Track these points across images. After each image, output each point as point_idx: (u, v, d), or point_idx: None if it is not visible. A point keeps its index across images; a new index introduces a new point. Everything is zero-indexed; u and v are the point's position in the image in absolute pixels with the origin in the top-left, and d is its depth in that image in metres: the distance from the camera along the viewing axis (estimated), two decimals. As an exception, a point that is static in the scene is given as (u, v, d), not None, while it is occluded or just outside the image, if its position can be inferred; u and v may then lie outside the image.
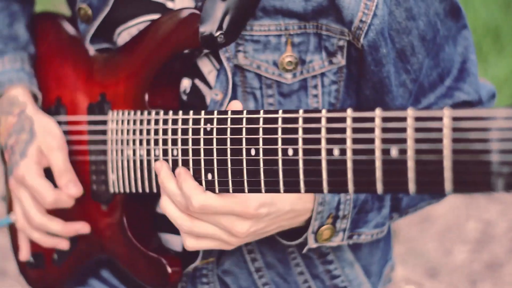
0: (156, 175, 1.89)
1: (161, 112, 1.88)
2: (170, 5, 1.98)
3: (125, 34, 2.06)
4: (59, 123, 2.16)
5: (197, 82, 1.99)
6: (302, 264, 2.07)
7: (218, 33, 1.84)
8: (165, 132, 1.86)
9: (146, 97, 1.96)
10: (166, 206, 1.81)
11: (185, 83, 2.00)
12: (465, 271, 3.99)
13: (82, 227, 2.11)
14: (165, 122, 1.86)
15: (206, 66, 1.97)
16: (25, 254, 2.23)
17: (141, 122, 1.92)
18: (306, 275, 2.08)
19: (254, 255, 2.06)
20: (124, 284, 2.24)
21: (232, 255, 2.05)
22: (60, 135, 2.12)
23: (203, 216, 1.76)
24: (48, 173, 2.10)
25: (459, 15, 2.01)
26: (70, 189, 2.07)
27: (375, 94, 1.93)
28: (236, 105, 1.77)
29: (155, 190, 1.91)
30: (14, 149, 2.11)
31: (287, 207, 1.80)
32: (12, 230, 2.37)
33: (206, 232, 1.78)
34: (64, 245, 2.14)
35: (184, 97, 2.01)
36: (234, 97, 1.94)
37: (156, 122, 1.88)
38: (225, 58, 1.89)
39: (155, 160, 1.88)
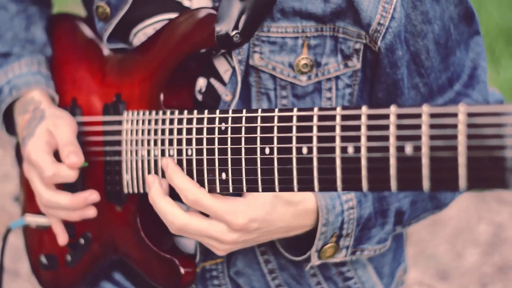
0: None
1: (176, 112, 1.88)
2: (187, 3, 1.99)
3: (141, 34, 2.07)
4: None
5: (213, 81, 1.99)
6: (315, 266, 2.07)
7: (234, 32, 1.85)
8: (179, 132, 1.86)
9: (162, 97, 1.97)
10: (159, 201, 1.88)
11: (201, 82, 2.01)
12: (476, 273, 3.98)
13: (90, 195, 2.05)
14: (180, 121, 1.86)
15: (223, 65, 1.98)
16: (62, 237, 2.16)
17: (156, 122, 1.92)
18: (319, 277, 2.08)
19: (267, 256, 2.06)
20: (136, 287, 2.25)
21: (245, 256, 2.06)
22: (69, 116, 2.12)
23: (202, 218, 1.81)
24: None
25: (473, 20, 2.02)
26: (71, 158, 2.00)
27: (388, 96, 1.93)
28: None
29: (169, 191, 1.90)
30: (25, 136, 2.11)
31: (281, 224, 1.83)
32: (26, 231, 2.38)
33: (195, 234, 1.84)
34: (91, 213, 2.08)
35: (199, 97, 2.01)
36: (247, 97, 1.95)
37: (171, 122, 1.89)
38: (237, 60, 1.89)
39: None
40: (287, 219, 1.82)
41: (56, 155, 2.07)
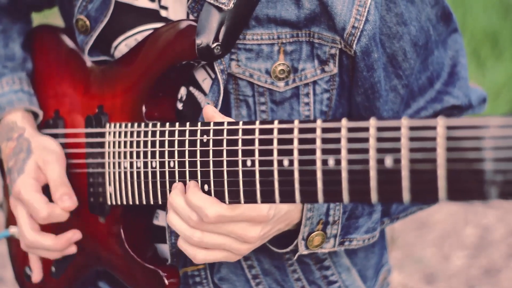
0: (153, 187, 1.89)
1: (158, 124, 1.88)
2: (164, 13, 1.99)
3: (122, 46, 2.07)
4: (57, 135, 2.16)
5: (192, 89, 2.00)
6: (299, 270, 2.07)
7: (214, 44, 1.85)
8: (162, 144, 1.86)
9: (143, 108, 1.96)
10: (173, 220, 1.79)
11: (181, 91, 2.01)
12: (463, 276, 3.99)
13: (73, 235, 2.09)
14: (162, 134, 1.86)
15: (200, 74, 1.98)
16: (36, 275, 2.21)
17: (138, 134, 1.92)
18: (303, 281, 2.08)
19: (250, 262, 2.06)
20: (120, 294, 2.25)
21: (229, 262, 2.05)
22: (58, 150, 2.12)
23: (217, 226, 1.75)
24: (48, 191, 2.09)
25: (450, 20, 2.03)
26: (65, 202, 2.04)
27: (366, 100, 1.93)
28: (209, 109, 1.79)
29: (152, 202, 1.91)
30: (13, 169, 2.11)
31: (285, 208, 1.81)
32: (11, 241, 2.37)
33: (216, 242, 1.77)
34: (72, 250, 2.11)
35: (180, 105, 2.01)
36: (227, 104, 1.95)
37: (153, 134, 1.88)
38: (219, 70, 1.89)
39: (152, 172, 1.88)
40: (286, 205, 1.81)
41: (45, 190, 2.08)
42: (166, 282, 1.96)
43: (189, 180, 1.79)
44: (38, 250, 2.11)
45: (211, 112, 1.80)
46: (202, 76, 1.98)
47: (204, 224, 1.75)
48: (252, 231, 1.75)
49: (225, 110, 1.94)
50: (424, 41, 1.96)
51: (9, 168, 2.13)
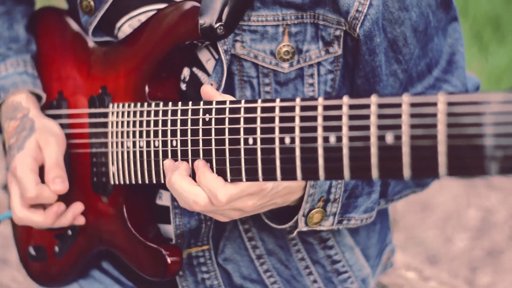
0: (155, 166, 1.90)
1: (161, 104, 1.89)
2: None
3: (126, 26, 2.08)
4: (60, 116, 2.18)
5: (195, 70, 2.00)
6: (303, 250, 2.09)
7: (217, 24, 1.85)
8: (164, 123, 1.87)
9: (147, 89, 1.97)
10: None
11: (184, 72, 2.01)
12: (466, 258, 4.00)
13: (58, 208, 2.08)
14: (165, 113, 1.87)
15: (204, 54, 1.99)
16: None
17: (141, 114, 1.93)
18: (307, 261, 2.10)
19: (254, 242, 2.07)
20: (124, 276, 2.26)
21: (233, 243, 2.07)
22: (59, 133, 2.12)
23: (225, 207, 1.77)
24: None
25: (450, 7, 2.03)
26: (56, 184, 2.05)
27: (366, 83, 1.94)
28: (207, 88, 1.81)
29: (154, 181, 1.92)
30: (13, 146, 2.12)
31: (284, 183, 1.80)
32: (14, 222, 2.38)
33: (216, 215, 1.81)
34: (80, 220, 2.12)
35: (183, 86, 2.02)
36: (231, 85, 1.96)
37: (156, 113, 1.89)
38: (222, 50, 1.90)
39: (155, 151, 1.89)
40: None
41: (42, 171, 2.09)
42: (169, 260, 1.96)
43: (191, 159, 1.80)
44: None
45: (209, 91, 1.81)
46: (205, 57, 1.99)
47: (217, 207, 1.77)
48: (250, 202, 1.77)
49: (229, 91, 1.95)
50: (423, 26, 1.97)
51: (10, 145, 2.13)
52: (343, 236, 2.11)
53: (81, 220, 2.12)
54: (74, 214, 2.11)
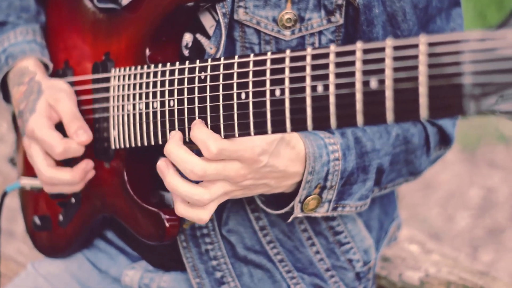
0: (154, 128, 1.92)
1: (159, 65, 1.91)
2: None
3: None
4: None
5: (199, 36, 2.02)
6: (305, 221, 2.10)
7: None
8: (162, 84, 1.89)
9: (147, 52, 1.99)
10: (179, 185, 1.79)
11: (187, 38, 2.03)
12: (467, 236, 3.99)
13: (87, 165, 2.10)
14: (163, 74, 1.89)
15: (208, 20, 2.01)
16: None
17: (141, 76, 1.95)
18: (309, 232, 2.11)
19: (258, 213, 2.09)
20: (129, 246, 2.29)
21: (236, 214, 2.09)
22: (67, 88, 2.14)
23: (217, 167, 1.76)
24: (61, 129, 2.11)
25: None
26: (80, 136, 2.06)
27: None
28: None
29: (153, 143, 1.93)
30: (24, 110, 2.14)
31: (281, 166, 1.81)
32: (22, 193, 2.41)
33: (220, 191, 1.79)
34: (90, 175, 2.13)
35: (186, 52, 2.04)
36: (232, 52, 1.98)
37: (155, 75, 1.91)
38: (221, 14, 1.92)
39: (153, 112, 1.91)
40: (285, 162, 1.82)
41: (58, 128, 2.10)
42: (167, 224, 1.97)
43: (188, 118, 1.82)
44: (58, 187, 2.12)
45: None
46: (209, 23, 2.01)
47: (205, 176, 1.76)
48: (241, 171, 1.76)
49: None
50: (424, 4, 1.98)
51: (20, 111, 2.16)
52: None
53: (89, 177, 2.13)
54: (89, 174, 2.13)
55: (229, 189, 1.80)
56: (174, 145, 1.79)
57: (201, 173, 1.74)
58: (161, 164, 1.83)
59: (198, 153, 1.77)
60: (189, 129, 1.82)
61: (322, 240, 2.12)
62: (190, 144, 1.81)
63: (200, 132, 1.75)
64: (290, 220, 1.97)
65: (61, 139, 2.06)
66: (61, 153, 2.06)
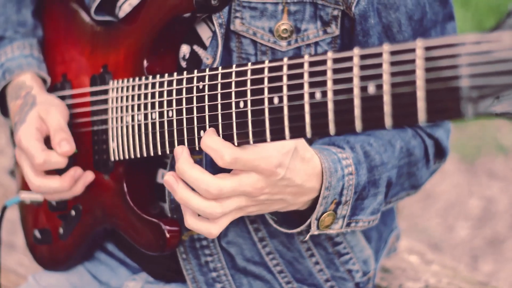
0: (153, 139, 1.91)
1: (157, 76, 1.91)
2: None
3: (126, 5, 2.11)
4: (64, 97, 2.21)
5: (196, 48, 2.03)
6: (304, 232, 2.09)
7: None
8: (161, 94, 1.89)
9: (145, 63, 2.00)
10: (190, 198, 1.75)
11: (184, 49, 2.04)
12: (467, 247, 3.99)
13: (75, 172, 2.10)
14: (161, 85, 1.89)
15: (205, 32, 2.02)
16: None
17: (139, 87, 1.95)
18: (309, 243, 2.10)
19: (257, 225, 2.08)
20: (129, 257, 2.28)
21: (236, 226, 2.08)
22: (60, 104, 2.15)
23: (232, 171, 1.73)
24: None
25: (447, 2, 2.05)
26: (63, 147, 2.05)
27: None
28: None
29: (152, 153, 1.93)
30: (17, 122, 2.14)
31: (298, 180, 1.77)
32: (22, 207, 2.41)
33: (234, 206, 1.75)
34: (79, 187, 2.12)
35: (183, 63, 2.04)
36: (229, 62, 1.98)
37: (153, 86, 1.91)
38: (217, 24, 1.93)
39: (152, 123, 1.91)
40: (301, 175, 1.77)
41: (47, 142, 2.10)
42: (167, 234, 1.98)
43: (186, 128, 1.82)
44: (49, 195, 2.13)
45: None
46: (206, 35, 2.02)
47: (220, 195, 1.72)
48: (258, 183, 1.72)
49: None
50: (419, 16, 1.99)
51: (15, 123, 2.16)
52: None
53: (79, 188, 2.13)
54: (85, 183, 2.12)
55: (244, 204, 1.76)
56: (186, 164, 1.75)
57: (216, 192, 1.70)
58: (169, 179, 1.78)
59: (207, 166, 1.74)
60: (188, 139, 1.82)
61: (321, 250, 2.12)
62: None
63: (213, 141, 1.72)
64: (307, 238, 1.94)
65: (42, 151, 2.06)
66: (41, 164, 2.06)
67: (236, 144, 1.72)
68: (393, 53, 1.42)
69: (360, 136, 1.97)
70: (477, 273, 3.75)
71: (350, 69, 1.48)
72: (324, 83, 1.53)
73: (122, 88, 2.02)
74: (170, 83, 1.87)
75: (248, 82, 1.68)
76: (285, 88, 1.61)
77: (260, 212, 1.83)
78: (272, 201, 1.80)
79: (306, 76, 1.57)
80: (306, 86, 1.57)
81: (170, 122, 1.86)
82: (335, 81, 1.51)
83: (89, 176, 2.13)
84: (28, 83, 2.21)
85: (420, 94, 1.38)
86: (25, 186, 2.32)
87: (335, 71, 1.51)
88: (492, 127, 4.67)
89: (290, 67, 1.60)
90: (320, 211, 1.86)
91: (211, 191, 1.70)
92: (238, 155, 1.69)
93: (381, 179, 1.98)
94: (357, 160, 1.91)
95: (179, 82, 1.85)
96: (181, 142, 1.84)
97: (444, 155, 2.21)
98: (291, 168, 1.74)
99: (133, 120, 1.97)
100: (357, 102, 1.48)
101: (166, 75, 1.89)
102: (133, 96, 1.97)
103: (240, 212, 1.78)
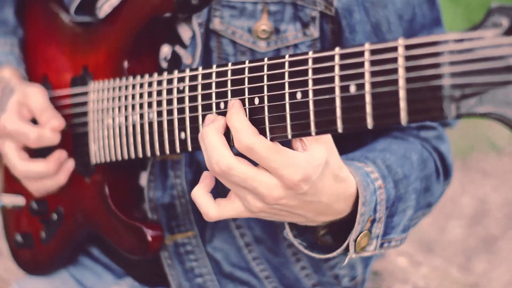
0: (134, 141, 1.89)
1: (138, 77, 1.89)
2: None
3: (106, 6, 2.09)
4: None
5: (178, 48, 2.01)
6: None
7: None
8: (141, 96, 1.86)
9: (125, 64, 1.98)
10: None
11: (165, 50, 2.02)
12: (460, 246, 3.98)
13: (60, 154, 2.08)
14: (142, 86, 1.87)
15: (186, 32, 1.99)
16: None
17: (119, 89, 1.93)
18: (295, 247, 2.07)
19: (242, 230, 2.06)
20: (114, 262, 2.26)
21: (221, 232, 2.06)
22: (39, 85, 2.13)
23: (251, 166, 1.57)
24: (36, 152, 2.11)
25: (434, 5, 2.02)
26: (52, 122, 2.04)
27: None
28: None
29: (133, 156, 1.91)
30: None
31: (325, 199, 1.63)
32: (3, 212, 2.39)
33: (232, 212, 1.65)
34: (63, 177, 2.10)
35: (164, 65, 2.02)
36: (209, 62, 1.95)
37: (134, 87, 1.89)
38: (196, 23, 1.92)
39: (133, 125, 1.88)
40: (329, 195, 1.63)
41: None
42: (149, 238, 1.97)
43: (167, 129, 1.79)
44: (34, 182, 2.11)
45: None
46: (187, 35, 1.99)
47: (229, 175, 1.57)
48: (276, 191, 1.57)
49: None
50: (409, 16, 1.96)
51: None
52: None
53: (64, 177, 2.11)
54: (68, 170, 2.10)
55: (252, 204, 1.61)
56: (213, 130, 1.59)
57: (225, 168, 1.55)
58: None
59: None
60: (169, 141, 1.78)
61: (308, 255, 2.07)
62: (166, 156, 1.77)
63: (238, 119, 1.58)
64: (346, 262, 1.78)
65: (34, 127, 2.05)
66: (36, 139, 2.04)
67: None
68: (374, 51, 1.39)
69: (375, 152, 1.88)
70: (470, 273, 3.74)
71: (331, 68, 1.45)
72: (305, 83, 1.50)
73: (102, 89, 1.99)
74: (150, 84, 1.84)
75: (229, 83, 1.65)
76: (265, 88, 1.58)
77: (271, 219, 1.71)
78: (289, 213, 1.66)
79: (286, 75, 1.54)
80: (287, 86, 1.53)
81: (150, 124, 1.84)
82: (316, 81, 1.48)
83: (70, 163, 2.10)
84: (7, 76, 2.20)
85: (402, 94, 1.35)
86: (7, 188, 2.30)
87: (315, 70, 1.48)
88: (484, 126, 4.67)
89: (271, 67, 1.57)
90: (358, 230, 1.71)
91: (220, 164, 1.56)
92: (256, 144, 1.54)
93: (407, 193, 1.86)
94: (382, 174, 1.78)
95: (160, 83, 1.82)
96: (161, 144, 1.81)
97: (449, 173, 2.09)
98: (318, 184, 1.59)
99: (114, 122, 1.94)
100: (338, 102, 1.44)
101: (147, 76, 1.87)
102: (113, 98, 1.95)
103: (246, 213, 1.65)
